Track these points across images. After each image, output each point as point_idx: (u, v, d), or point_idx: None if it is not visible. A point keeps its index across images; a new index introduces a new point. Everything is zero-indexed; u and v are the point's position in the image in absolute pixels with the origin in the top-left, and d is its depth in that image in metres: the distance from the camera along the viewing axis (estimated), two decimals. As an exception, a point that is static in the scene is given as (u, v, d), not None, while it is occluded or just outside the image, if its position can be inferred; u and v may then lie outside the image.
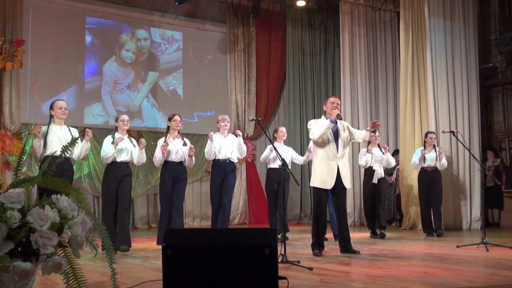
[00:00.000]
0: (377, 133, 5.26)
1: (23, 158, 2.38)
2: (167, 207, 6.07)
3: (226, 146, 6.43)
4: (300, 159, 7.15)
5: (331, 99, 5.24)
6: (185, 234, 3.03)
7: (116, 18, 9.96)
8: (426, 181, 7.54)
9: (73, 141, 2.38)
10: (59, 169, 5.01)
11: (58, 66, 9.32)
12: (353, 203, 9.67)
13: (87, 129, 5.48)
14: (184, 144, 6.19)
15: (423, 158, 7.47)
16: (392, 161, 7.48)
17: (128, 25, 10.11)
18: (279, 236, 6.30)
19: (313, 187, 5.15)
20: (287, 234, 6.93)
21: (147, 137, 9.78)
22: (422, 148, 7.67)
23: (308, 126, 5.21)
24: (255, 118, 5.11)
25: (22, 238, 1.89)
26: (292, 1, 9.94)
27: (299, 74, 11.34)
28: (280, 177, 6.63)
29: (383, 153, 7.43)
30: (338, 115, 5.06)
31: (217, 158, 6.39)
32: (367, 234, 7.40)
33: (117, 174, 5.65)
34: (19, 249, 1.90)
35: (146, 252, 5.55)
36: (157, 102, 10.25)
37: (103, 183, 5.78)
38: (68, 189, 2.07)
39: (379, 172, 7.30)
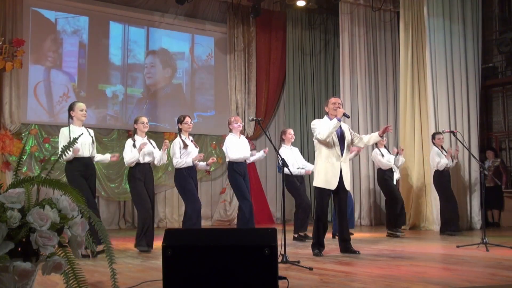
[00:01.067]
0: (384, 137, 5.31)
1: (23, 158, 2.38)
2: (196, 207, 5.87)
3: (244, 146, 6.42)
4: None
5: (333, 100, 5.23)
6: (185, 234, 3.03)
7: (116, 18, 9.96)
8: (448, 180, 7.54)
9: (73, 141, 2.38)
10: (88, 169, 5.28)
11: (59, 66, 9.33)
12: (353, 203, 9.66)
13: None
14: (195, 146, 6.20)
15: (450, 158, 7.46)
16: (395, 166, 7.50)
17: (128, 25, 10.11)
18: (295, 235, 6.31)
19: (316, 187, 5.14)
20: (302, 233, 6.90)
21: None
22: (436, 148, 7.60)
23: (312, 126, 5.18)
24: (255, 118, 5.10)
25: (22, 238, 1.89)
26: (292, 1, 9.94)
27: (299, 74, 11.34)
28: (298, 178, 6.64)
29: (395, 155, 7.49)
30: (344, 113, 5.06)
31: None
32: (367, 234, 7.41)
33: (142, 174, 5.64)
34: (19, 249, 1.90)
35: (146, 252, 5.54)
36: (157, 102, 10.24)
37: (132, 185, 5.66)
38: (68, 189, 2.07)
39: (397, 171, 7.42)
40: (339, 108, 5.12)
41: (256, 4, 10.19)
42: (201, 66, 10.84)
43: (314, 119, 5.58)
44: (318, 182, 5.11)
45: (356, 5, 10.12)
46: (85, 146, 5.24)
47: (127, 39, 10.06)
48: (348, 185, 5.13)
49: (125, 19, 10.04)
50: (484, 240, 5.36)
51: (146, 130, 5.83)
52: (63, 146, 2.32)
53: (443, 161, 7.45)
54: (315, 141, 5.23)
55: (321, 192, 5.10)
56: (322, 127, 5.05)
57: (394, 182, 7.41)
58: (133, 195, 5.71)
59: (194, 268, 2.71)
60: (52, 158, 2.48)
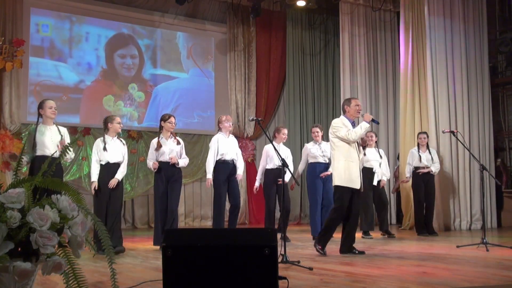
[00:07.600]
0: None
1: (23, 158, 2.38)
2: (160, 208, 5.88)
3: (232, 147, 6.35)
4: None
5: (357, 101, 5.18)
6: (185, 234, 3.03)
7: (116, 18, 9.97)
8: (422, 181, 7.51)
9: (74, 141, 2.38)
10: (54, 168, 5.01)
11: (58, 66, 9.33)
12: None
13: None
14: (178, 143, 6.01)
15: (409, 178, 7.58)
16: (386, 173, 7.42)
17: (128, 25, 10.12)
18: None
19: (338, 186, 5.02)
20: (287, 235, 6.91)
21: (147, 137, 9.80)
22: (416, 148, 7.63)
23: (335, 125, 5.08)
24: (255, 118, 5.07)
25: (22, 238, 1.89)
26: (292, 1, 9.94)
27: (299, 74, 11.34)
28: (277, 178, 6.59)
29: (381, 156, 7.34)
30: (373, 119, 5.09)
31: (223, 159, 6.26)
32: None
33: (110, 176, 5.47)
34: (19, 249, 1.89)
35: (146, 252, 5.54)
36: (157, 102, 10.25)
37: (98, 184, 5.49)
38: (67, 189, 2.07)
39: (379, 173, 7.24)
40: (360, 111, 5.14)
41: (256, 4, 10.19)
42: (201, 66, 10.85)
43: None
44: (342, 181, 4.99)
45: (356, 5, 10.11)
46: (53, 144, 4.97)
47: (127, 39, 10.09)
48: (360, 186, 5.11)
49: (126, 19, 10.06)
50: (484, 240, 5.37)
51: (119, 131, 5.67)
52: (64, 146, 2.32)
53: (405, 166, 7.67)
54: (335, 140, 5.10)
55: (344, 191, 5.00)
56: (351, 129, 5.02)
57: (375, 183, 7.17)
58: (94, 196, 5.53)
59: (194, 268, 2.71)
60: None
